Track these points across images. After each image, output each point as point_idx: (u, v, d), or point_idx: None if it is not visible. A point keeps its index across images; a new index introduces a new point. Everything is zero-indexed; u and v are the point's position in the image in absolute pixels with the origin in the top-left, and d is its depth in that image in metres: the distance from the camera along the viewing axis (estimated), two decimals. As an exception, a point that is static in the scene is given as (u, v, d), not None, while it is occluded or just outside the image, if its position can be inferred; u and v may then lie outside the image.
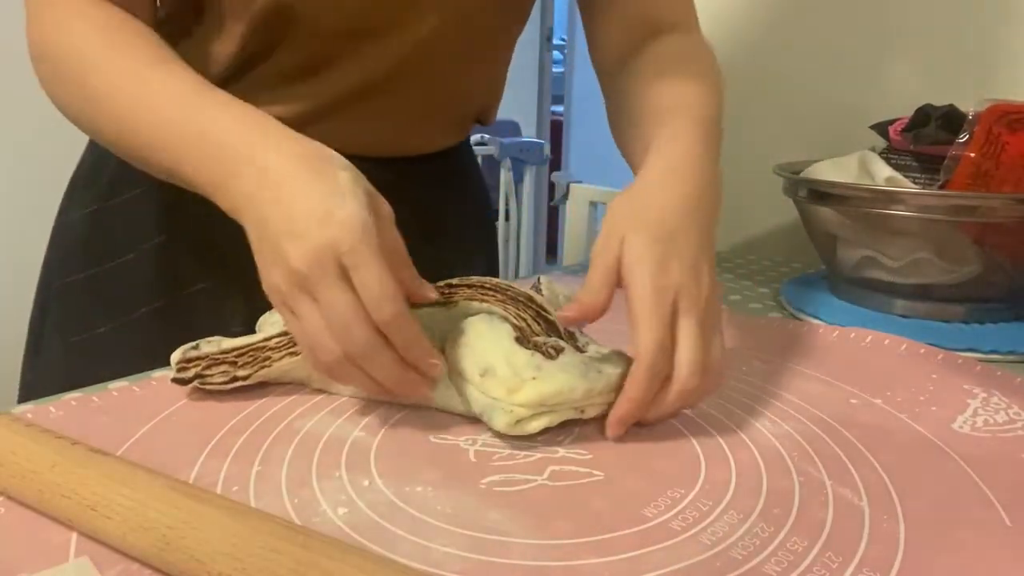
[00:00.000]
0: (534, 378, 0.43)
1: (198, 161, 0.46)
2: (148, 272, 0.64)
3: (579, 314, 0.45)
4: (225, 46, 0.59)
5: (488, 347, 0.45)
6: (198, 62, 0.62)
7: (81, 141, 0.68)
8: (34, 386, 0.67)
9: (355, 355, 0.41)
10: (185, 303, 0.64)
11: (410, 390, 0.44)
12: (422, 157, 0.72)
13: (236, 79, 0.62)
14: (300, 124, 0.64)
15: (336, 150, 0.67)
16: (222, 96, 0.48)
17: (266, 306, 0.62)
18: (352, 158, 0.68)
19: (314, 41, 0.59)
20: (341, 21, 0.58)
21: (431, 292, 0.48)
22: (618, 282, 0.45)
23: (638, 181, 0.50)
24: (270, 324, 0.55)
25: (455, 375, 0.46)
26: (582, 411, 0.44)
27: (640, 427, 0.45)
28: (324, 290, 0.40)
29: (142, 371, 0.60)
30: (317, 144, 0.46)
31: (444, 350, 0.49)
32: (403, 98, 0.64)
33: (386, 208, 0.45)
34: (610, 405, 0.44)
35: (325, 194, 0.42)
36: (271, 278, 0.43)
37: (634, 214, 0.47)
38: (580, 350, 0.47)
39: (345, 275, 0.41)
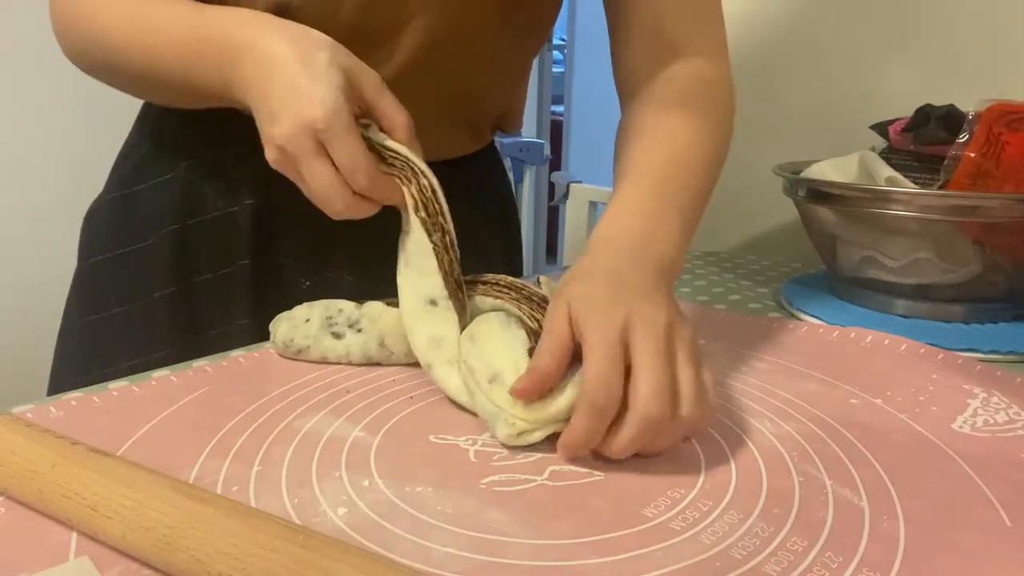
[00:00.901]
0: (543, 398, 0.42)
1: (207, 60, 0.52)
2: (164, 258, 0.65)
3: (534, 383, 0.42)
4: None
5: (499, 350, 0.45)
6: None
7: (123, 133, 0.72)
8: (56, 367, 0.69)
9: (340, 214, 0.49)
10: (194, 291, 0.65)
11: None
12: (439, 164, 0.72)
13: None
14: None
15: None
16: (214, 7, 0.54)
17: (269, 303, 0.63)
18: None
19: None
20: (340, 21, 0.58)
21: (403, 116, 0.52)
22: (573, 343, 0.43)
23: (585, 248, 0.51)
24: (288, 319, 0.55)
25: (464, 368, 0.46)
26: None
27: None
28: (305, 166, 0.47)
29: (146, 355, 0.60)
30: (303, 28, 0.50)
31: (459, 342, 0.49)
32: (409, 104, 0.64)
33: (371, 73, 0.51)
34: None
35: (305, 76, 0.47)
36: (268, 153, 0.49)
37: (580, 275, 0.47)
38: None
39: (322, 149, 0.47)
